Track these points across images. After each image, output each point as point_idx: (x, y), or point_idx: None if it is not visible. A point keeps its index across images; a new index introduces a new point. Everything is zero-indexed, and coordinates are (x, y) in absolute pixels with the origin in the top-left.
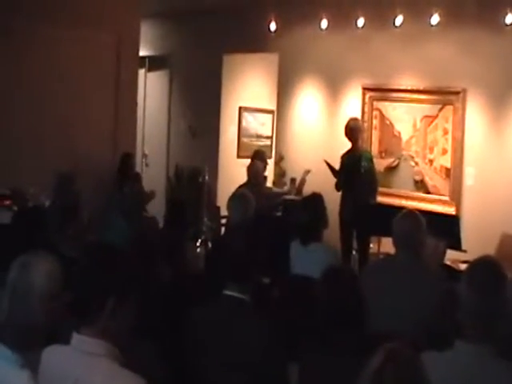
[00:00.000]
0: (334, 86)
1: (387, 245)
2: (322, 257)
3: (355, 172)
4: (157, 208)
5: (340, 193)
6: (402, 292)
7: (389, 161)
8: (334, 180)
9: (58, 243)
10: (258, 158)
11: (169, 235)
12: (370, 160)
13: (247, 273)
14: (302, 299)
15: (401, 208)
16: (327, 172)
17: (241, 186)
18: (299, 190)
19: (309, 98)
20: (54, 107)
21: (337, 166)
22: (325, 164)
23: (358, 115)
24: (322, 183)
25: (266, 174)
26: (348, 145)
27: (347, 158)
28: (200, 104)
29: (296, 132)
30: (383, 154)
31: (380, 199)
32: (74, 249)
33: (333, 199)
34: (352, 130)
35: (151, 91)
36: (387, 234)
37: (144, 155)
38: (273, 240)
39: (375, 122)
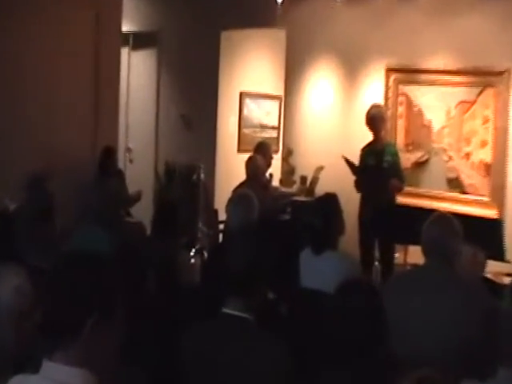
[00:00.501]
0: (351, 68)
1: (415, 254)
2: (338, 268)
3: (378, 168)
4: (143, 212)
5: (360, 193)
6: (433, 310)
7: (417, 155)
8: (352, 178)
9: (27, 253)
10: (260, 151)
11: (158, 243)
12: (396, 154)
13: (250, 287)
14: (314, 317)
15: (431, 211)
16: (344, 169)
17: (239, 186)
18: (311, 190)
19: (322, 81)
20: (22, 95)
21: (356, 162)
22: (343, 160)
23: (381, 102)
24: (338, 182)
25: (271, 171)
26: (369, 136)
27: (368, 151)
28: (194, 89)
29: (307, 122)
30: (410, 148)
31: (407, 200)
32: (45, 259)
33: (351, 200)
34: (374, 119)
35: (136, 74)
36: (415, 241)
37: (128, 149)
38: (280, 248)
39: (401, 109)
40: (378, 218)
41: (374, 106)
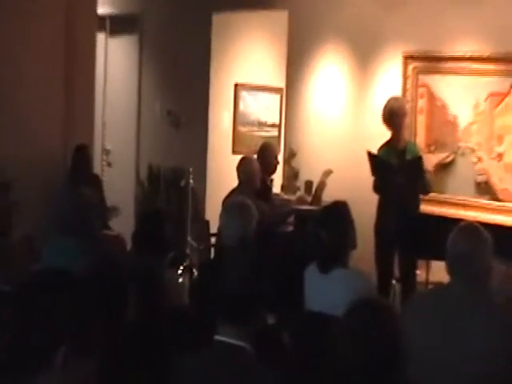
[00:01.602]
0: (364, 55)
1: (439, 271)
2: (348, 287)
3: (397, 171)
4: (123, 223)
5: (376, 201)
6: (459, 336)
7: (440, 156)
8: (365, 184)
9: None
10: (265, 154)
11: (140, 260)
12: (417, 151)
13: (247, 311)
14: (321, 345)
15: (457, 220)
16: (357, 172)
17: (230, 193)
18: (317, 198)
19: (330, 71)
20: None
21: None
22: (354, 163)
23: (399, 93)
24: (349, 188)
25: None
26: (386, 135)
27: (386, 152)
28: (182, 81)
29: (313, 118)
30: (432, 148)
31: (428, 208)
32: (4, 281)
33: (364, 209)
34: (393, 114)
35: (114, 63)
36: (438, 256)
37: (105, 151)
38: (281, 266)
39: (421, 102)
40: (400, 229)
41: (393, 99)
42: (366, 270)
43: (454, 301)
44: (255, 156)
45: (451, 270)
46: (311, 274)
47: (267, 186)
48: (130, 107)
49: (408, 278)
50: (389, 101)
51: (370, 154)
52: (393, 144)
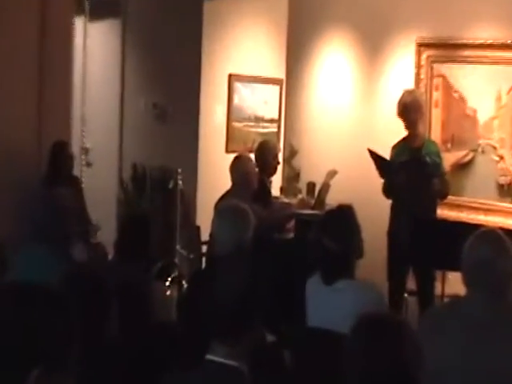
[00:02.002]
0: (373, 42)
1: (456, 283)
2: (355, 301)
3: (413, 172)
4: (105, 229)
5: (388, 204)
6: (479, 355)
7: (458, 154)
8: (374, 185)
9: None
10: (263, 153)
11: (123, 270)
12: (437, 154)
13: (242, 327)
14: (326, 366)
15: (477, 226)
16: (364, 173)
17: (223, 196)
18: (320, 201)
19: (335, 60)
20: None
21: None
22: (361, 162)
23: (411, 84)
24: (356, 190)
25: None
26: (398, 132)
27: (401, 150)
28: (170, 71)
29: (316, 112)
30: (449, 145)
31: (444, 213)
32: None
33: (374, 214)
34: (407, 109)
35: (94, 51)
36: (455, 266)
37: (84, 150)
38: (281, 277)
39: (436, 94)
40: (412, 236)
41: (407, 92)
42: (376, 280)
43: (472, 315)
44: (252, 155)
45: (468, 280)
46: (314, 286)
47: (266, 188)
48: (111, 100)
49: (424, 291)
50: (403, 94)
51: (370, 152)
52: (408, 141)
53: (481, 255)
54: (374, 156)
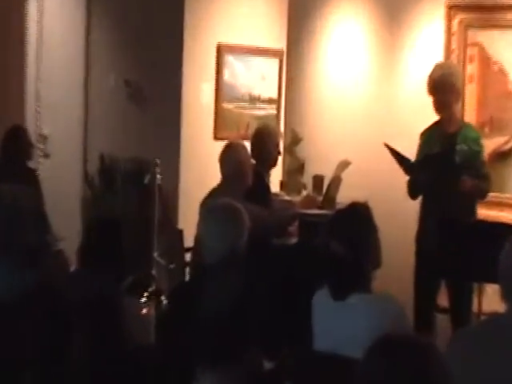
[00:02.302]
0: (392, 5)
1: (495, 297)
2: (371, 318)
3: (447, 164)
4: (67, 234)
5: (415, 203)
6: None
7: (498, 141)
8: (395, 179)
9: None
10: (262, 139)
11: (88, 283)
12: (476, 141)
13: (234, 351)
14: None
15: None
16: (382, 164)
17: (211, 193)
18: (330, 199)
19: (346, 27)
20: None
21: (410, 152)
22: (381, 151)
23: (440, 57)
24: (372, 185)
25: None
26: (424, 115)
27: (431, 137)
28: (145, 42)
29: (323, 91)
30: (486, 129)
31: (483, 212)
32: None
33: (395, 213)
34: (439, 88)
35: (53, 19)
36: (495, 277)
37: (41, 137)
38: (282, 290)
39: (471, 68)
40: (448, 240)
41: (439, 67)
42: (400, 297)
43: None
44: (246, 143)
45: (507, 293)
46: (322, 301)
47: (264, 183)
48: (74, 79)
49: (459, 307)
50: (433, 69)
51: (388, 148)
52: (441, 126)
53: None
54: (393, 152)
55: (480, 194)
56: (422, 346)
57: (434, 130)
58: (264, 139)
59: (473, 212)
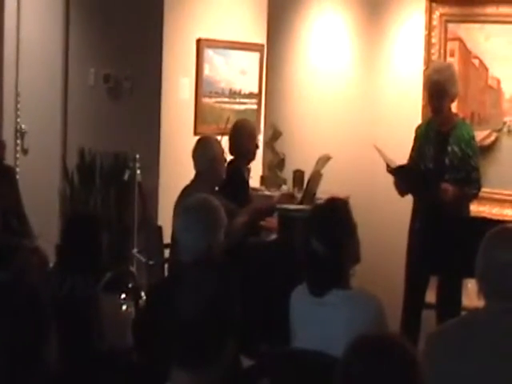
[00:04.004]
0: None
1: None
2: (350, 316)
3: (440, 161)
4: (45, 230)
5: (393, 197)
6: (500, 376)
7: (479, 135)
8: (376, 174)
9: None
10: (240, 133)
11: (66, 282)
12: (469, 142)
13: (211, 350)
14: None
15: (502, 223)
16: (364, 159)
17: (186, 188)
18: (310, 194)
19: (327, 21)
20: None
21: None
22: (360, 148)
23: (421, 50)
24: (353, 180)
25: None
26: (407, 108)
27: (424, 132)
28: (124, 35)
29: (304, 85)
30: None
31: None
32: None
33: (376, 209)
34: (436, 93)
35: (31, 11)
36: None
37: (19, 133)
38: (260, 287)
39: (451, 61)
40: (432, 237)
41: (439, 71)
42: (383, 291)
43: (490, 330)
44: (224, 138)
45: (485, 290)
46: (300, 298)
47: (243, 178)
48: (52, 71)
49: (449, 304)
50: (431, 72)
51: (376, 148)
52: (436, 124)
53: (501, 259)
54: (379, 152)
55: (465, 199)
56: (398, 345)
57: (430, 126)
58: (241, 133)
59: (465, 207)
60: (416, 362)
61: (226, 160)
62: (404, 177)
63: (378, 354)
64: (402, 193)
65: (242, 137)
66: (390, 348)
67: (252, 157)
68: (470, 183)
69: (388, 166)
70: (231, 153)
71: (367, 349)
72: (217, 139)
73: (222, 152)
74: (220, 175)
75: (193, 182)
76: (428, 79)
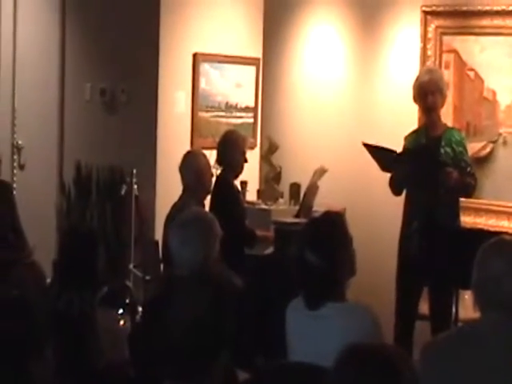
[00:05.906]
0: (370, 11)
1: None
2: (345, 329)
3: (432, 166)
4: (42, 246)
5: (394, 210)
6: None
7: (474, 147)
8: (373, 186)
9: None
10: (227, 145)
11: (63, 297)
12: (460, 143)
13: (206, 363)
14: None
15: (498, 234)
16: (360, 171)
17: (176, 203)
18: (306, 207)
19: (323, 33)
20: None
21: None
22: (355, 160)
23: (416, 62)
24: (350, 193)
25: (244, 177)
26: (403, 121)
27: (414, 140)
28: (121, 50)
29: (300, 99)
30: (463, 134)
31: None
32: None
33: (372, 221)
34: (423, 91)
35: (27, 27)
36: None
37: (15, 148)
38: (255, 300)
39: (447, 73)
40: (423, 247)
41: (424, 71)
42: (376, 302)
43: (486, 342)
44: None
45: (481, 302)
46: (295, 311)
47: (233, 189)
48: (49, 86)
49: (441, 315)
50: (421, 73)
51: (365, 146)
52: (426, 130)
53: (496, 270)
54: (370, 148)
55: (465, 190)
56: (391, 355)
57: (420, 133)
58: (229, 145)
59: (456, 216)
60: (409, 370)
61: (212, 174)
62: (414, 157)
63: (370, 362)
64: (400, 185)
65: (230, 149)
66: (382, 356)
67: (240, 170)
68: (468, 176)
69: (383, 156)
70: (219, 163)
71: (359, 356)
72: (203, 153)
73: (208, 165)
74: (207, 187)
75: (181, 196)
76: (419, 78)
